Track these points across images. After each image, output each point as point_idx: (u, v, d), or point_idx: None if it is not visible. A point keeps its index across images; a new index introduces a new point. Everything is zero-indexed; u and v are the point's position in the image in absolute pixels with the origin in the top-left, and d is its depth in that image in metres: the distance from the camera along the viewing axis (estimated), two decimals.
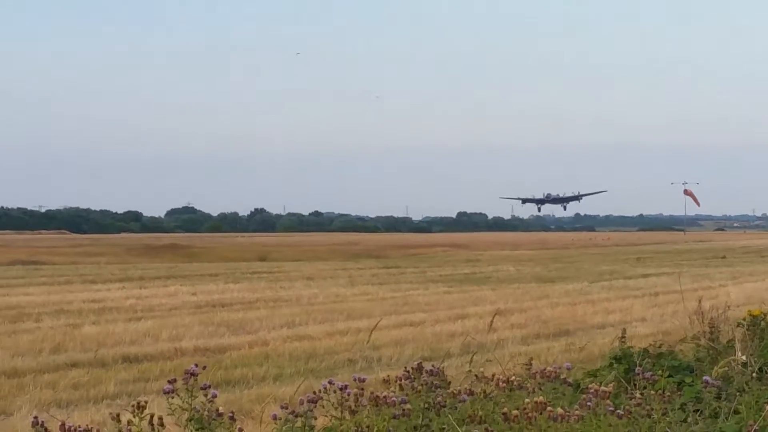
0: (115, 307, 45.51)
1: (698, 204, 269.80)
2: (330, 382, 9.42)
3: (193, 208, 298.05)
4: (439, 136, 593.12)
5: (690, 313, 17.09)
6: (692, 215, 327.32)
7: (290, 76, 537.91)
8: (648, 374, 10.42)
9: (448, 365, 11.39)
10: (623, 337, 16.05)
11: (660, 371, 12.14)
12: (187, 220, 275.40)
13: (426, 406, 9.60)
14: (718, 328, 15.84)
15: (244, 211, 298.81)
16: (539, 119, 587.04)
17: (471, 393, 10.01)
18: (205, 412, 8.65)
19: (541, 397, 9.22)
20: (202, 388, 8.72)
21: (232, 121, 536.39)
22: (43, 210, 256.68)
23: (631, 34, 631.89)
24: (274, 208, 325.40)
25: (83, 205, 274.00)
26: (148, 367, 27.95)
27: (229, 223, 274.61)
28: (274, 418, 9.02)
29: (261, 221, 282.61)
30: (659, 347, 15.57)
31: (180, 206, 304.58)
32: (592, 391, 9.47)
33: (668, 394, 9.58)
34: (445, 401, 9.67)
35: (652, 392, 9.60)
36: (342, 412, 9.28)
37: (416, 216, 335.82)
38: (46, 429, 8.38)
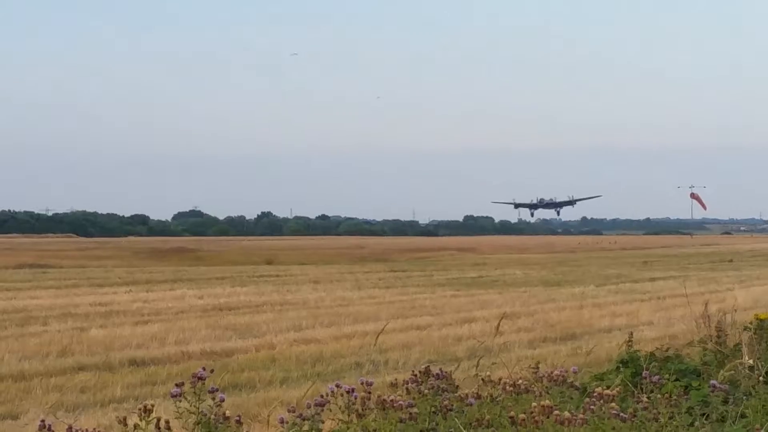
0: (122, 311, 45.55)
1: (705, 208, 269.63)
2: (337, 386, 9.43)
3: (200, 211, 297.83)
4: (446, 139, 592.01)
5: (697, 316, 17.08)
6: (699, 219, 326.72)
7: (298, 79, 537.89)
8: (655, 378, 10.43)
9: (454, 369, 11.37)
10: (630, 340, 16.03)
11: (667, 375, 12.17)
12: (194, 223, 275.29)
13: (433, 409, 9.61)
14: (725, 331, 15.82)
15: (251, 214, 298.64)
16: (547, 122, 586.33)
17: (478, 396, 10.02)
18: (212, 416, 8.67)
19: (548, 401, 9.22)
20: (209, 392, 8.74)
21: (239, 125, 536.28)
22: (50, 213, 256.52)
23: (636, 35, 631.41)
24: (281, 211, 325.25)
25: (90, 209, 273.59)
26: (155, 371, 27.97)
27: (235, 226, 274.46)
28: (281, 421, 9.03)
29: (268, 225, 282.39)
30: (666, 351, 15.56)
31: (187, 210, 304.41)
32: (596, 394, 9.47)
33: (675, 397, 9.58)
34: (452, 405, 9.68)
35: (659, 396, 9.60)
36: (349, 416, 9.29)
37: (423, 219, 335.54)
38: None
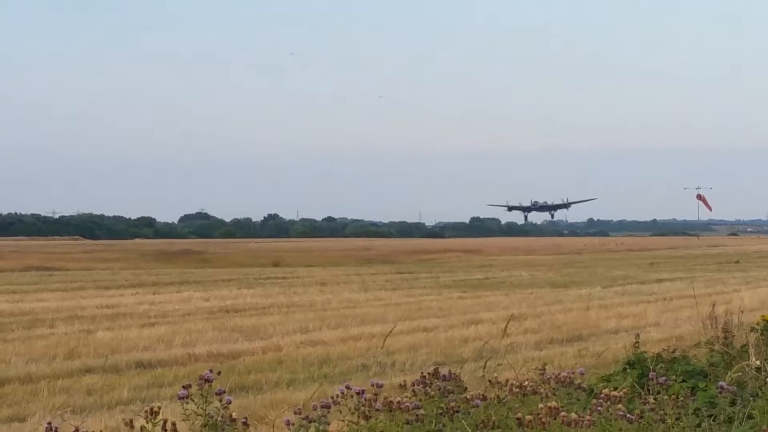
0: (128, 313, 45.57)
1: (710, 209, 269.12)
2: (347, 387, 9.44)
3: (206, 213, 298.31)
4: (453, 140, 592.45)
5: (704, 317, 17.06)
6: (705, 220, 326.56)
7: (299, 80, 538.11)
8: (662, 379, 10.43)
9: (461, 371, 11.36)
10: (637, 342, 16.03)
11: (674, 376, 12.16)
12: (201, 225, 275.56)
13: (439, 411, 9.61)
14: (731, 333, 15.81)
15: (257, 216, 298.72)
16: (549, 123, 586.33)
17: (484, 398, 10.01)
18: (219, 418, 8.68)
19: (554, 403, 9.21)
20: (216, 394, 8.75)
21: (246, 127, 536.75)
22: (56, 216, 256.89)
23: (643, 35, 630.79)
24: (288, 213, 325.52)
25: (96, 211, 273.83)
26: (162, 373, 27.99)
27: (242, 228, 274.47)
28: (288, 423, 9.04)
29: (274, 227, 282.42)
30: (673, 352, 15.55)
31: (193, 212, 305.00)
32: (603, 396, 9.47)
33: (682, 399, 9.58)
34: (459, 406, 9.67)
35: (666, 397, 9.60)
36: (358, 418, 9.30)
37: (429, 221, 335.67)
38: None
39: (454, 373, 10.51)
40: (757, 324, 15.35)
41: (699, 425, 9.77)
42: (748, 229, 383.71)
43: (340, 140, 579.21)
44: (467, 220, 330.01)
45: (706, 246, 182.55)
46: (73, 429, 8.30)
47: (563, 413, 8.95)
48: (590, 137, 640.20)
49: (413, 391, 10.05)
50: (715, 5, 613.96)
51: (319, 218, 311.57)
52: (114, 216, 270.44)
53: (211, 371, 8.91)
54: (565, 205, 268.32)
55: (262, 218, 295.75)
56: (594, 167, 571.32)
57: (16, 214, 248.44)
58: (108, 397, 24.47)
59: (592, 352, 27.57)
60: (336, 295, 56.87)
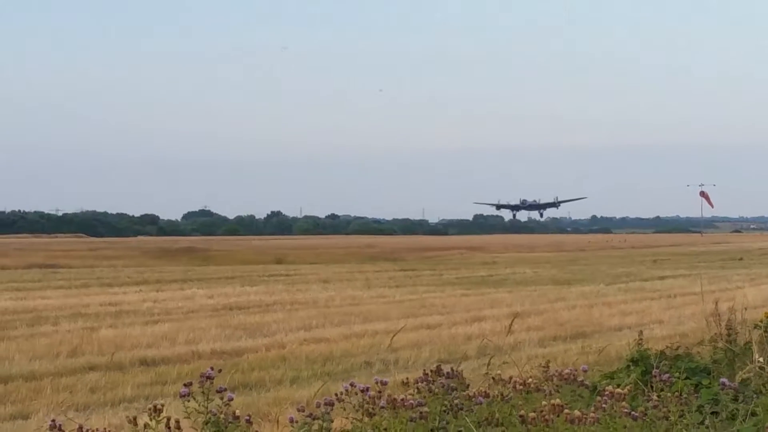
0: (132, 311, 45.61)
1: (712, 206, 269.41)
2: (352, 385, 9.44)
3: (209, 211, 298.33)
4: (455, 138, 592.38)
5: (707, 315, 17.04)
6: (709, 217, 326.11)
7: (307, 79, 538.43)
8: (665, 376, 10.41)
9: (465, 368, 11.37)
10: (640, 339, 16.01)
11: (677, 373, 12.14)
12: (204, 223, 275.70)
13: (443, 408, 9.61)
14: (735, 330, 15.78)
15: (260, 214, 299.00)
16: (556, 120, 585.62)
17: (488, 395, 10.01)
18: (222, 416, 8.68)
19: (558, 400, 9.22)
20: (217, 391, 8.74)
21: (249, 124, 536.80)
22: (59, 213, 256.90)
23: (645, 33, 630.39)
24: (291, 211, 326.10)
25: (100, 209, 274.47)
26: (165, 371, 27.99)
27: (245, 226, 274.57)
28: (291, 420, 9.04)
29: (277, 224, 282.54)
30: (676, 349, 15.54)
31: (197, 209, 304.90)
32: (607, 393, 9.46)
33: (685, 396, 9.57)
34: (462, 404, 9.67)
35: (669, 394, 9.59)
36: (362, 415, 9.29)
37: (432, 218, 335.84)
38: None
39: (458, 371, 10.50)
40: (761, 321, 15.33)
41: (702, 422, 9.77)
42: (752, 226, 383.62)
43: (343, 138, 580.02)
44: (470, 218, 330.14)
45: (709, 243, 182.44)
46: (77, 426, 8.29)
47: (567, 410, 8.95)
48: (593, 134, 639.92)
49: (417, 388, 10.05)
50: (717, 2, 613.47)
51: (322, 216, 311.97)
52: (117, 213, 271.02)
53: (212, 369, 8.92)
54: (555, 204, 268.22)
55: (266, 216, 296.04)
56: (595, 164, 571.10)
57: (19, 211, 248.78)
58: (111, 395, 24.48)
59: (595, 350, 27.51)
60: (339, 293, 56.86)
